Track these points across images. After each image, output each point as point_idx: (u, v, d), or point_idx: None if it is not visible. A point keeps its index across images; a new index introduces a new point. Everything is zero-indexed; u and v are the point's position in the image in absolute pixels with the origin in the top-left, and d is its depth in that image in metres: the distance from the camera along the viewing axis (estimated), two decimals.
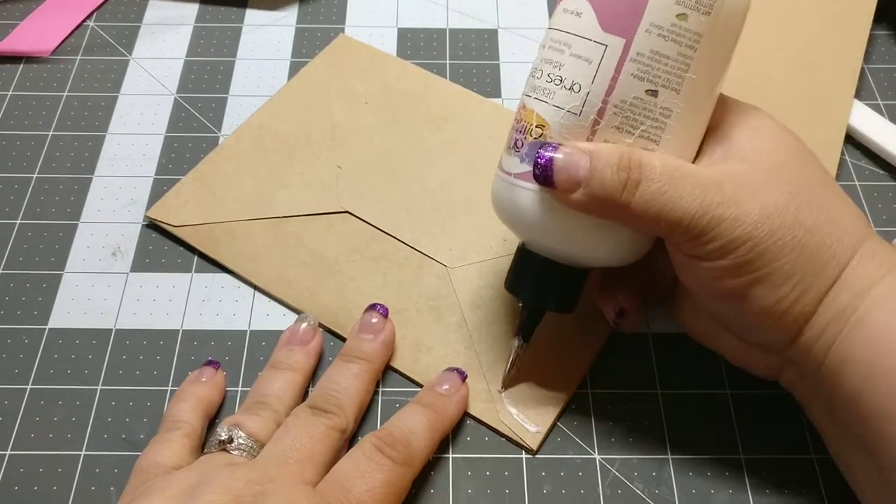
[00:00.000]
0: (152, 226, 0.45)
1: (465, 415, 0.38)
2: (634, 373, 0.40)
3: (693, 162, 0.33)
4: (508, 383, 0.39)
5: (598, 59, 0.31)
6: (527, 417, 0.38)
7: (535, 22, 0.56)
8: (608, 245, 0.34)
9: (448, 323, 0.41)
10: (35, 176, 0.47)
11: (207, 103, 0.51)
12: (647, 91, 0.31)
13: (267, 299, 0.42)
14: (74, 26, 0.55)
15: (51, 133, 0.49)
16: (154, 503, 0.31)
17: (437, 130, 0.48)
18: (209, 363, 0.39)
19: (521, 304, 0.38)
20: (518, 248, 0.37)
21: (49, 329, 0.41)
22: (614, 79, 0.31)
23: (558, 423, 0.38)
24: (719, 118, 0.34)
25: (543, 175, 0.32)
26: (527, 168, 0.33)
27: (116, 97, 0.51)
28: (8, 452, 0.37)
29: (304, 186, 0.46)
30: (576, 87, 0.32)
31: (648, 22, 0.31)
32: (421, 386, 0.39)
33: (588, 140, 0.32)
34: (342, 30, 0.55)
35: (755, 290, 0.32)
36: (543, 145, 0.32)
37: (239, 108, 0.50)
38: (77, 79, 0.52)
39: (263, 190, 0.46)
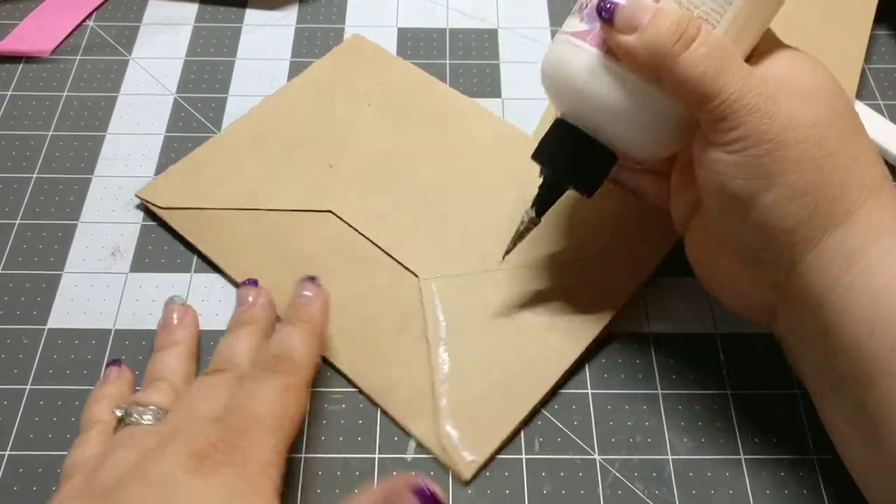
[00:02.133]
0: (152, 226, 0.45)
1: (405, 431, 0.38)
2: (634, 373, 0.40)
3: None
4: (507, 252, 0.39)
5: None
6: (467, 443, 0.37)
7: (535, 22, 0.56)
8: (644, 122, 0.34)
9: (411, 333, 0.40)
10: (34, 176, 0.47)
11: (207, 103, 0.51)
12: None
13: None
14: (74, 26, 0.55)
15: (50, 133, 0.49)
16: (67, 488, 0.32)
17: (437, 138, 0.48)
18: (112, 363, 0.39)
19: (541, 177, 0.37)
20: (555, 120, 0.37)
21: (48, 329, 0.41)
22: None
23: (558, 424, 0.38)
24: (764, 46, 0.34)
25: (606, 8, 0.33)
26: (586, 27, 0.34)
27: (116, 97, 0.51)
28: (7, 453, 0.37)
29: (294, 182, 0.46)
30: None
31: None
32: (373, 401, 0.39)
33: None
34: (342, 30, 0.55)
35: (764, 197, 0.32)
36: None
37: (239, 108, 0.50)
38: (77, 79, 0.52)
39: (255, 182, 0.46)
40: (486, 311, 0.41)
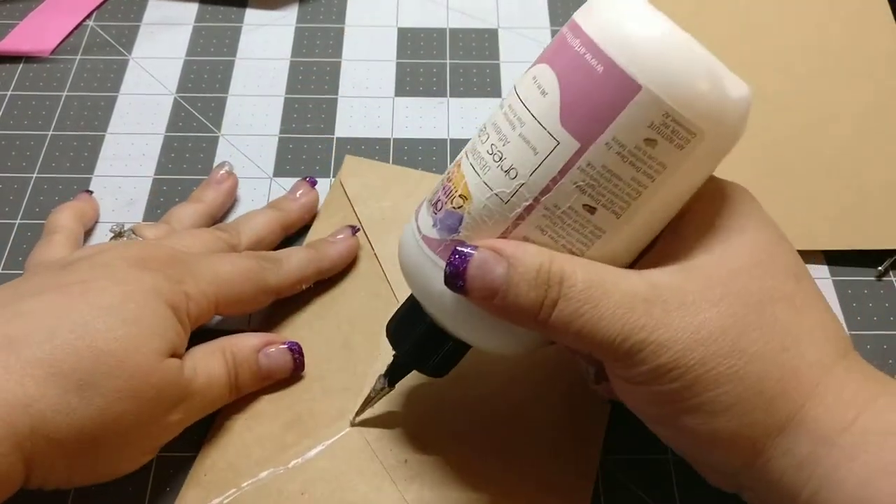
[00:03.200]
0: None
1: None
2: None
3: (636, 259, 0.31)
4: (358, 417, 0.37)
5: (545, 154, 0.28)
6: None
7: (535, 22, 0.56)
8: (506, 338, 0.31)
9: None
10: (35, 176, 0.47)
11: (207, 103, 0.51)
12: (584, 206, 0.28)
13: None
14: (74, 26, 0.55)
15: (50, 133, 0.49)
16: (34, 278, 0.35)
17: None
18: (84, 191, 0.45)
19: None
20: (410, 298, 0.34)
21: None
22: (555, 180, 0.28)
23: None
24: (685, 206, 0.30)
25: (454, 280, 0.29)
26: (436, 236, 0.30)
27: (116, 97, 0.51)
28: None
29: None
30: (512, 173, 0.29)
31: (612, 136, 0.27)
32: None
33: (507, 232, 0.29)
34: (342, 30, 0.55)
35: (685, 419, 0.29)
36: (460, 246, 0.29)
37: (239, 108, 0.50)
38: (77, 78, 0.52)
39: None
40: None
